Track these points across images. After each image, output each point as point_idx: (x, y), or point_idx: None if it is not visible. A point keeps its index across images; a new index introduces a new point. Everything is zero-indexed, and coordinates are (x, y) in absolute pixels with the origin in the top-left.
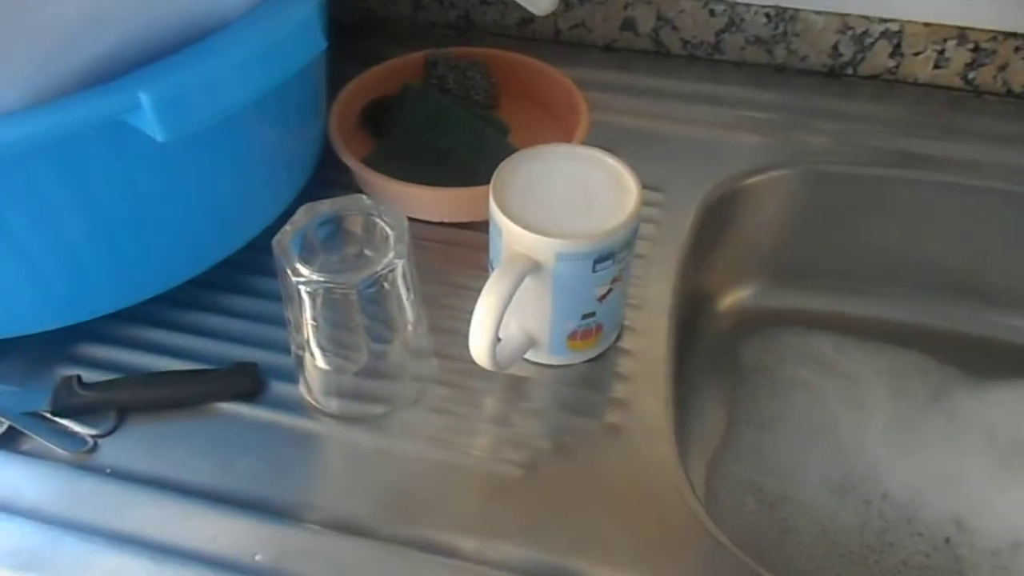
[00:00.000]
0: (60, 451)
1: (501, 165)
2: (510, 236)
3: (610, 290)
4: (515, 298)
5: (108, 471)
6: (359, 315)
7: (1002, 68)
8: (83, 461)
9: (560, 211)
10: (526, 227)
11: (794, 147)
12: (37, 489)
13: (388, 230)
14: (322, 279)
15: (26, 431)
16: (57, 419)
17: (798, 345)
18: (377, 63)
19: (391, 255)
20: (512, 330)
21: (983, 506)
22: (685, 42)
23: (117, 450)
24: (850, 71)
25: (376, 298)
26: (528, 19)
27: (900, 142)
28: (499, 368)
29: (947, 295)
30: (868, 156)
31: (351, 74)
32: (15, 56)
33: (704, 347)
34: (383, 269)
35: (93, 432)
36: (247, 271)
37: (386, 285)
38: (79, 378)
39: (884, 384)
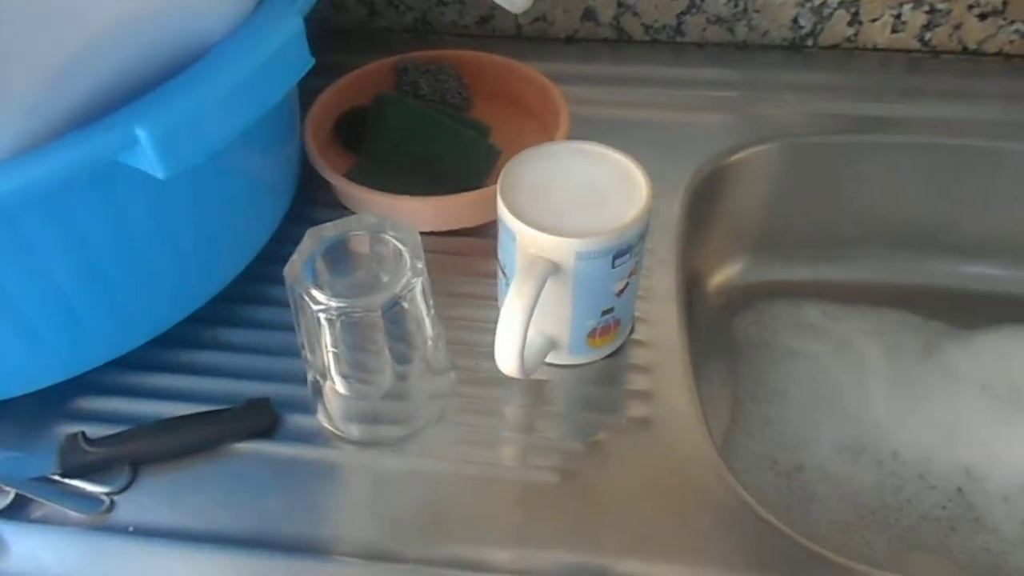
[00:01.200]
0: (75, 514)
1: (504, 169)
2: (525, 240)
3: (627, 284)
4: (535, 300)
5: (130, 529)
6: (382, 337)
7: (956, 27)
8: (102, 522)
9: (572, 210)
10: (542, 229)
11: (764, 122)
12: (58, 557)
13: (400, 246)
14: (343, 304)
15: (36, 497)
16: (67, 481)
17: (789, 316)
18: (339, 74)
19: (409, 273)
20: (531, 334)
21: (988, 453)
22: (647, 27)
23: (136, 506)
24: (811, 43)
25: (396, 318)
26: (487, 17)
27: (865, 108)
28: (525, 375)
29: (926, 252)
30: (836, 124)
31: (314, 87)
32: (4, 97)
33: (700, 327)
34: (402, 289)
35: (107, 490)
36: (239, 302)
37: (405, 304)
38: (84, 434)
39: (876, 345)
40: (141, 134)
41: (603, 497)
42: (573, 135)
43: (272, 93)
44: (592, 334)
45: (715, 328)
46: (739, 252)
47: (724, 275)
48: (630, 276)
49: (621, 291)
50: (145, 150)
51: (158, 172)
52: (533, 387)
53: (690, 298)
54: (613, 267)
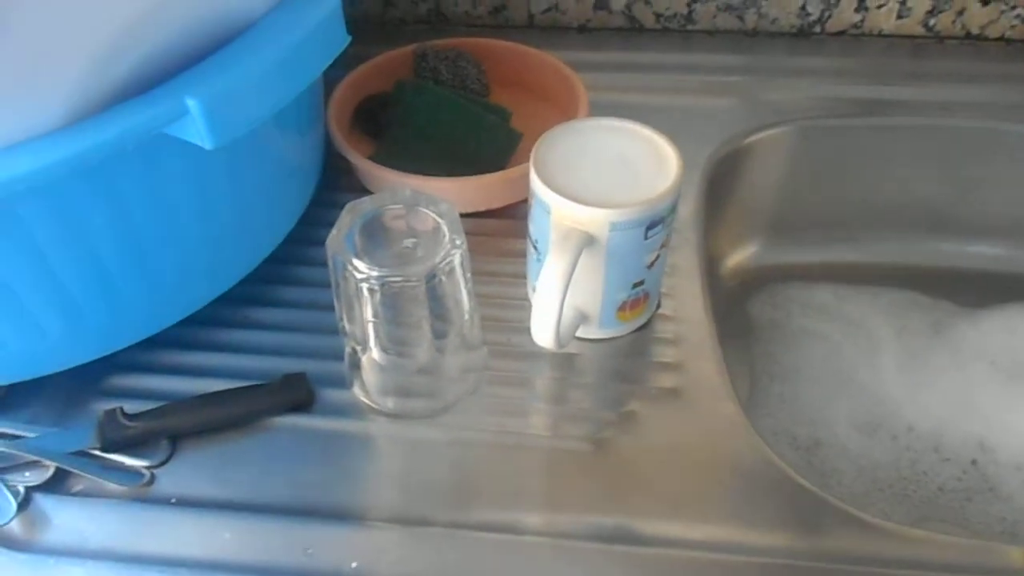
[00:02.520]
0: (116, 487)
1: (536, 144)
2: (560, 212)
3: (658, 256)
4: (570, 273)
5: (173, 500)
6: (422, 309)
7: (960, 13)
8: (144, 494)
9: (605, 182)
10: (577, 200)
11: (774, 107)
12: (102, 529)
13: (439, 220)
14: (385, 273)
15: (77, 471)
16: (106, 455)
17: (801, 297)
18: (355, 66)
19: (448, 246)
20: (564, 308)
21: (1000, 425)
22: (658, 15)
23: (177, 479)
24: (818, 29)
25: (434, 291)
26: (500, 7)
27: (872, 91)
28: (559, 348)
29: (932, 234)
30: (844, 108)
31: (332, 77)
32: (55, 73)
33: (716, 308)
34: (442, 261)
35: (147, 464)
36: (270, 283)
37: (443, 277)
38: (122, 410)
39: (887, 324)
40: (192, 104)
41: (634, 464)
42: None
43: (311, 68)
44: (623, 307)
45: (731, 309)
46: (753, 235)
47: (739, 257)
48: (661, 248)
49: (652, 263)
50: (195, 120)
51: (206, 143)
52: (564, 360)
53: (709, 278)
54: (646, 238)
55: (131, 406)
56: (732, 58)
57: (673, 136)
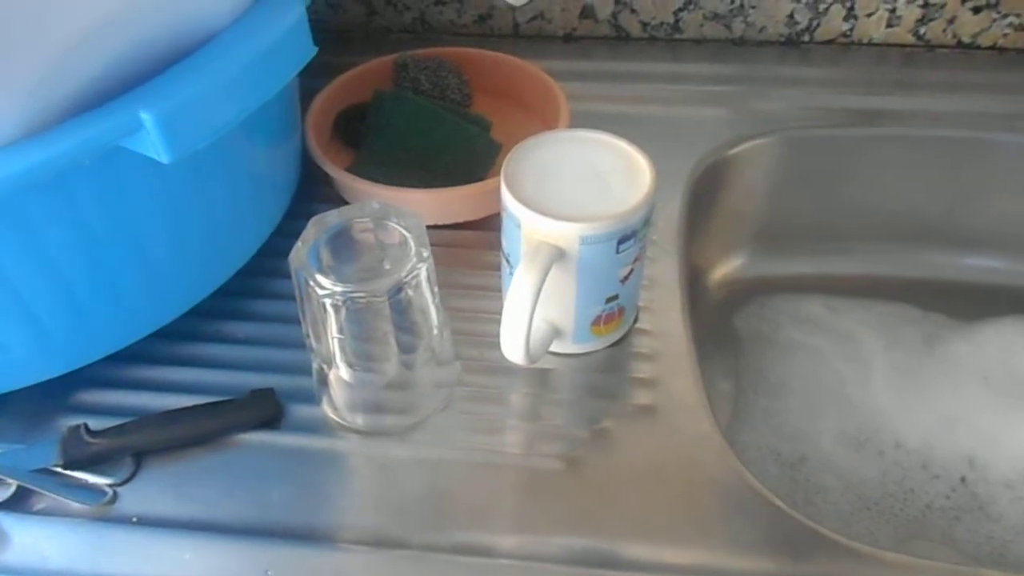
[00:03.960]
0: (78, 505)
1: (507, 156)
2: (530, 226)
3: (632, 270)
4: (540, 288)
5: (134, 519)
6: (387, 324)
7: (951, 21)
8: (105, 513)
9: (576, 195)
10: (546, 214)
11: (762, 117)
12: (63, 548)
13: (405, 233)
14: (349, 289)
15: (38, 489)
16: (69, 472)
17: (790, 309)
18: (338, 73)
19: (414, 260)
20: (536, 322)
21: (989, 442)
22: (644, 24)
23: (139, 497)
24: (807, 38)
25: (401, 306)
26: (486, 15)
27: (862, 101)
28: (530, 363)
29: (924, 245)
30: (833, 118)
31: (314, 86)
32: (6, 85)
33: (702, 322)
34: (408, 275)
35: (110, 481)
36: (242, 296)
37: (410, 292)
38: (86, 426)
39: (877, 337)
40: (146, 117)
41: (608, 483)
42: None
43: (275, 80)
44: (596, 322)
45: (717, 322)
46: (740, 246)
47: (725, 269)
48: (634, 263)
49: (625, 278)
50: (149, 133)
51: (163, 156)
52: (538, 376)
53: (692, 292)
54: (617, 252)
55: (98, 422)
56: (719, 67)
57: (658, 146)
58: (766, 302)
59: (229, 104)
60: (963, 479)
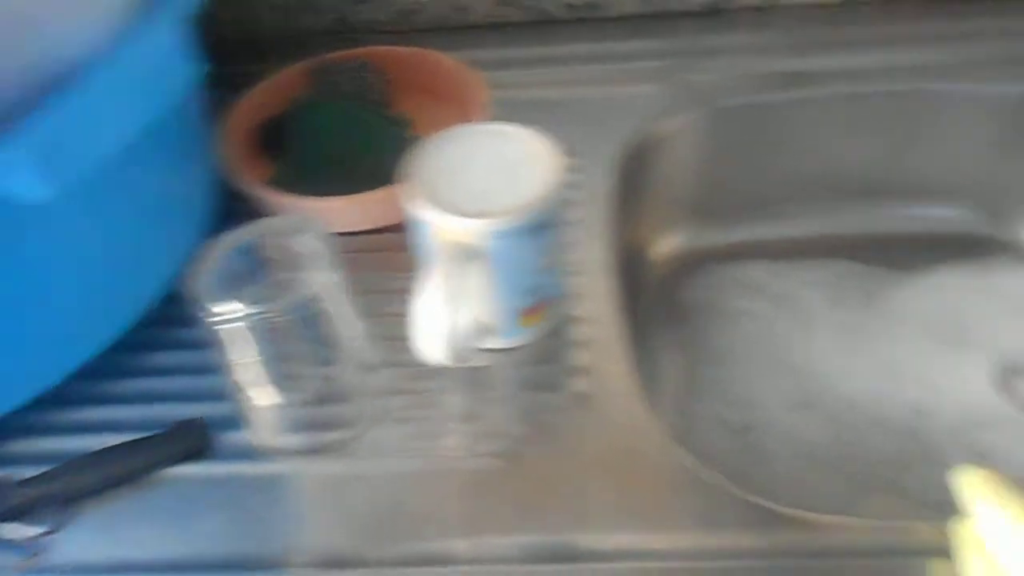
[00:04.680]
0: (7, 560)
1: (409, 156)
2: (437, 226)
3: (551, 260)
4: (458, 287)
5: (68, 569)
6: (299, 341)
7: None
8: (37, 565)
9: (484, 191)
10: (453, 213)
11: (690, 89)
12: None
13: (310, 246)
14: (250, 312)
15: None
16: None
17: (735, 277)
18: (257, 82)
19: (320, 272)
20: (460, 320)
21: (935, 390)
22: (567, 6)
23: (72, 545)
24: (727, 4)
25: (314, 320)
26: (406, 10)
27: (789, 64)
28: (457, 363)
29: (863, 201)
30: (762, 83)
31: (232, 98)
32: None
33: (648, 297)
34: (314, 288)
35: (40, 531)
36: (164, 325)
37: (322, 304)
38: (11, 477)
39: (821, 297)
40: (13, 154)
41: (551, 476)
42: (501, 119)
43: (156, 103)
44: (522, 314)
45: (663, 297)
46: (680, 219)
47: (667, 244)
48: (552, 252)
49: (546, 268)
50: (19, 170)
51: (36, 192)
52: (472, 375)
53: (634, 269)
54: (532, 244)
55: (24, 471)
56: (644, 43)
57: (587, 129)
58: (710, 272)
59: (104, 132)
60: (911, 429)
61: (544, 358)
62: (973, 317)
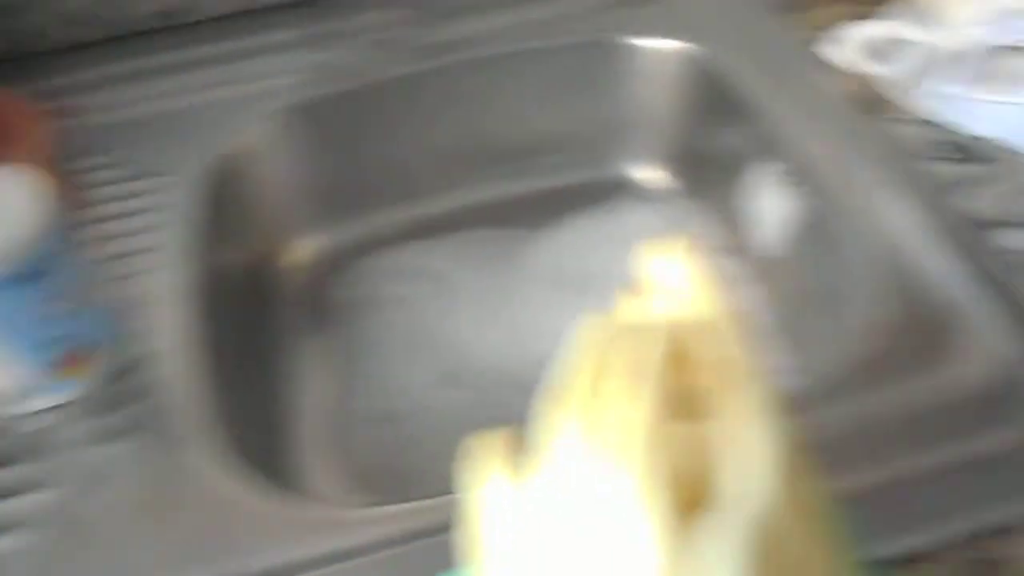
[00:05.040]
0: None
1: None
2: None
3: (73, 303)
4: None
5: None
6: None
7: None
8: None
9: None
10: None
11: (275, 88)
12: None
13: None
14: None
15: None
16: None
17: (383, 265)
18: None
19: None
20: None
21: (559, 342)
22: (162, 14)
23: None
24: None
25: None
26: None
27: (373, 48)
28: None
29: (491, 166)
30: (339, 73)
31: None
32: None
33: (286, 308)
34: None
35: None
36: None
37: None
38: None
39: (465, 268)
40: None
41: (102, 535)
42: (89, 145)
43: None
44: (58, 368)
45: (308, 301)
46: (310, 220)
47: (303, 248)
48: (72, 294)
49: (65, 313)
50: None
51: None
52: (30, 440)
53: (262, 283)
54: (29, 293)
55: None
56: (239, 43)
57: (171, 144)
58: (358, 266)
59: None
60: (540, 384)
61: (109, 406)
62: (597, 261)
